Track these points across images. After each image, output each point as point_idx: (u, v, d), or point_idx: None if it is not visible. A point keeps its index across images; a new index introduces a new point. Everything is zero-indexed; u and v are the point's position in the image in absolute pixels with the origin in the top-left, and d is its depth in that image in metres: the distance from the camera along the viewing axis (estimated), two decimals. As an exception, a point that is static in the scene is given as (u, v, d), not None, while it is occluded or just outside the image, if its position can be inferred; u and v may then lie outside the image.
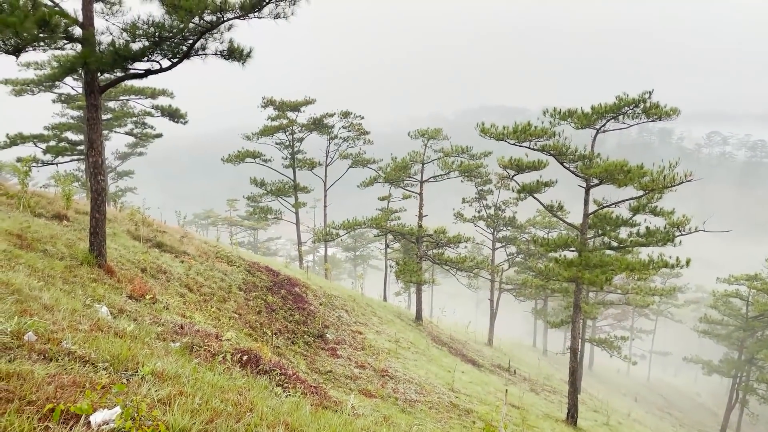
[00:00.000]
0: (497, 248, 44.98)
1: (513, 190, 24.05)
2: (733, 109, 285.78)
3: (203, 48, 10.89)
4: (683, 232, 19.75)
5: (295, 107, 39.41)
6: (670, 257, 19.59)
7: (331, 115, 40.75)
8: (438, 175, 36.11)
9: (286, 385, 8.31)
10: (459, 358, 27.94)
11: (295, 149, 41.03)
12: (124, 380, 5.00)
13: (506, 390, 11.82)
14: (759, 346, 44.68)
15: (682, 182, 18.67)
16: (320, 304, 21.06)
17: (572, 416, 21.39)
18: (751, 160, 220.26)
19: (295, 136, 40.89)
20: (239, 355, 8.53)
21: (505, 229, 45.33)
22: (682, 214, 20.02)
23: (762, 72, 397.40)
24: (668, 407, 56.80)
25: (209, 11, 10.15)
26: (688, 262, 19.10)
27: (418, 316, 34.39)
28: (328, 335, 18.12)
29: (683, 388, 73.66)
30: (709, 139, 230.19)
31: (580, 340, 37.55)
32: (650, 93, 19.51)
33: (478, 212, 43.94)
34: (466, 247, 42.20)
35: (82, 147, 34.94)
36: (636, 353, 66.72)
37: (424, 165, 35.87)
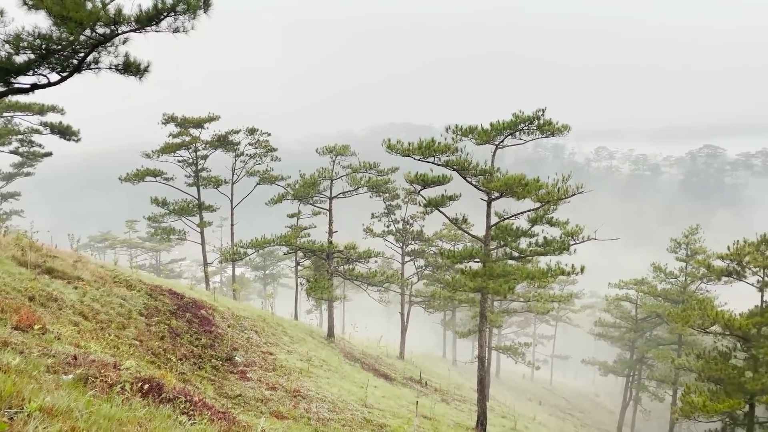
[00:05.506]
0: (406, 262, 45.68)
1: (420, 205, 24.61)
2: (620, 125, 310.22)
3: (96, 62, 10.36)
4: (577, 241, 21.08)
5: (199, 124, 38.22)
6: (566, 265, 20.84)
7: (237, 132, 39.91)
8: (347, 191, 36.25)
9: (192, 412, 7.97)
10: (371, 373, 28.00)
11: (200, 167, 39.72)
12: (6, 419, 4.60)
13: (416, 402, 11.98)
14: (648, 346, 48.21)
15: (574, 194, 19.98)
16: (228, 326, 20.40)
17: (482, 423, 22.00)
18: (635, 173, 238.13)
19: (198, 153, 39.61)
20: (140, 384, 8.08)
21: (413, 242, 46.16)
22: (575, 224, 21.36)
23: (646, 92, 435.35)
24: (570, 409, 59.79)
25: (102, 23, 9.67)
26: (582, 269, 20.41)
27: (330, 333, 34.16)
28: (237, 358, 17.57)
29: (583, 390, 77.84)
30: (597, 153, 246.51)
31: (487, 349, 38.72)
32: (543, 111, 20.74)
33: (387, 227, 44.48)
34: (376, 261, 42.60)
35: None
36: (539, 358, 69.82)
37: (333, 181, 35.89)
